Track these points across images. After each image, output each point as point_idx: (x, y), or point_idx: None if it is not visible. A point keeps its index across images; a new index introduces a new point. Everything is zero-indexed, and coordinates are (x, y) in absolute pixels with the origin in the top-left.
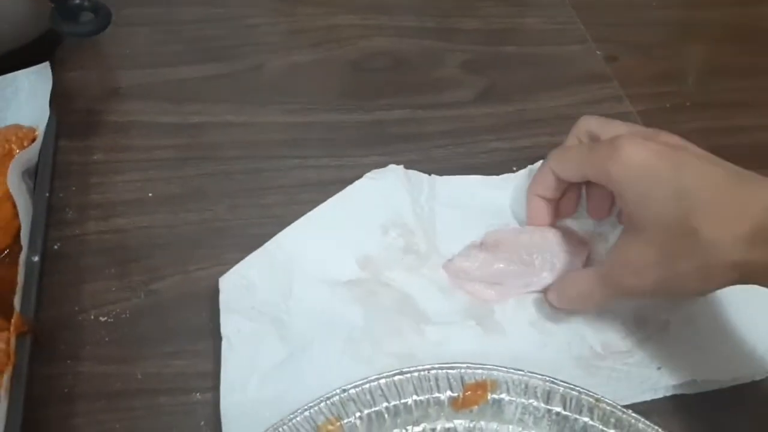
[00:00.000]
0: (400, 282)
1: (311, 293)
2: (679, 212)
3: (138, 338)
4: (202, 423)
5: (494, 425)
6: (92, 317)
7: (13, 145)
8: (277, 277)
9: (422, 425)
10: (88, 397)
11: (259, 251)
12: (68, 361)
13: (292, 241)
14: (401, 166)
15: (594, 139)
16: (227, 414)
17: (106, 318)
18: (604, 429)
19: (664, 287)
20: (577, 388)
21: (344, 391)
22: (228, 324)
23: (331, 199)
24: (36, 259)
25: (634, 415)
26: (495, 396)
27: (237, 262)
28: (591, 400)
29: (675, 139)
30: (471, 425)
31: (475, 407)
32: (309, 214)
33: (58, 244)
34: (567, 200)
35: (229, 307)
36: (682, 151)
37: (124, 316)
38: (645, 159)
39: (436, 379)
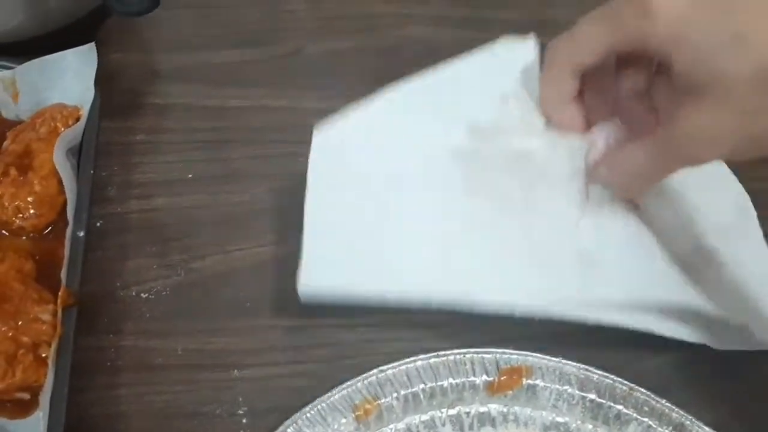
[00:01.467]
0: (515, 144)
1: (409, 165)
2: (747, 65)
3: (178, 315)
4: (241, 399)
5: (528, 410)
6: (134, 293)
7: (58, 124)
8: (375, 141)
9: (457, 408)
10: (130, 369)
11: (361, 108)
12: (111, 335)
13: (399, 103)
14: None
15: None
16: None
17: (147, 294)
18: (638, 417)
19: (744, 149)
20: (611, 377)
21: (381, 371)
22: (316, 182)
23: (453, 61)
24: (81, 234)
25: (667, 404)
26: (530, 381)
27: (275, 243)
28: (625, 388)
29: None
30: (505, 410)
31: (510, 392)
32: (422, 76)
33: (101, 221)
34: (593, 95)
35: (318, 166)
36: None
37: (164, 293)
38: (686, 5)
39: (472, 363)
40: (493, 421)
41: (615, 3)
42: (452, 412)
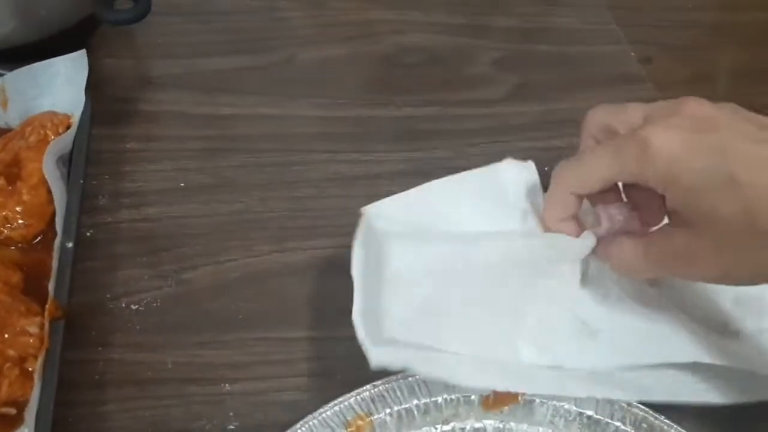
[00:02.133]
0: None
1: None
2: (737, 206)
3: (168, 327)
4: (231, 414)
5: (524, 426)
6: (123, 305)
7: (48, 132)
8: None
9: (452, 424)
10: (119, 383)
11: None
12: (99, 348)
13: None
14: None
15: (610, 133)
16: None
17: (137, 306)
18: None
19: (723, 277)
20: None
21: (374, 387)
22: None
23: (470, 171)
24: (70, 245)
25: (666, 421)
26: (526, 397)
27: (268, 254)
28: (623, 404)
29: (704, 109)
30: (501, 425)
31: (506, 408)
32: (448, 178)
33: (91, 230)
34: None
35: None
36: (718, 130)
37: (154, 304)
38: (681, 150)
39: None
40: None
41: (618, 140)
42: (447, 428)
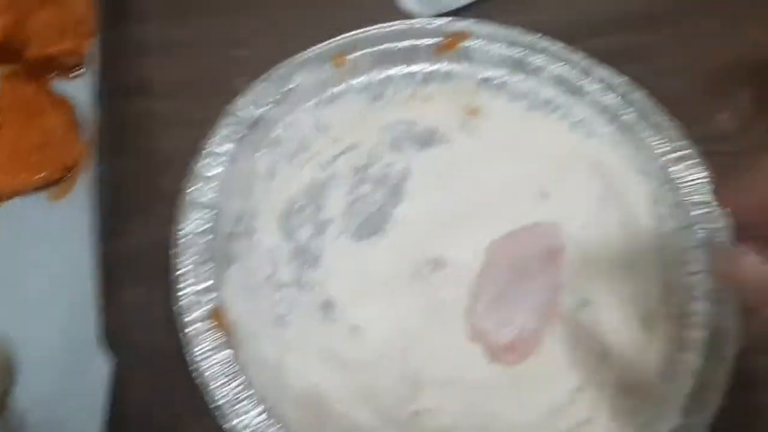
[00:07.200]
0: None
1: None
2: None
3: None
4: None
5: (466, 65)
6: None
7: None
8: None
9: (411, 66)
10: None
11: None
12: None
13: None
14: None
15: None
16: None
17: None
18: (550, 63)
19: None
20: (538, 36)
21: (352, 35)
22: None
23: None
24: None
25: (581, 53)
26: (467, 44)
27: None
28: (546, 44)
29: None
30: (449, 67)
31: (452, 51)
32: None
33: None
34: None
35: None
36: None
37: None
38: None
39: (420, 32)
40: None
41: None
42: (407, 69)
